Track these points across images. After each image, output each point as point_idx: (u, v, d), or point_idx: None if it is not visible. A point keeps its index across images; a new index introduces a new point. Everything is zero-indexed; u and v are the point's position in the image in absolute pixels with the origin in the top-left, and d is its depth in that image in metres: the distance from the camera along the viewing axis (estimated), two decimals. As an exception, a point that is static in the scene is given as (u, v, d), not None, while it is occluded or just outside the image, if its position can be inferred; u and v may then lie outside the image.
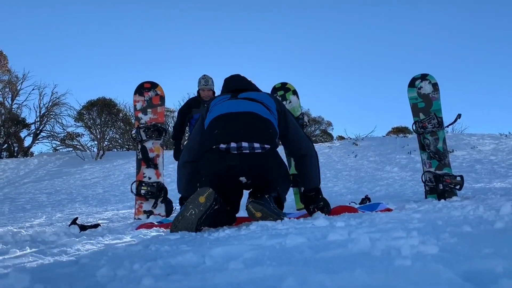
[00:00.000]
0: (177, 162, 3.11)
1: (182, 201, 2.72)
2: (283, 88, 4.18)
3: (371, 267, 0.79)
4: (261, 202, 2.30)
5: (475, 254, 0.90)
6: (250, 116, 2.54)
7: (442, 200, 3.33)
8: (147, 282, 0.84)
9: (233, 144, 2.42)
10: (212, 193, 2.20)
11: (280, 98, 4.09)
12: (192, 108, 4.70)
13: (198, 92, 4.73)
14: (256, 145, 2.44)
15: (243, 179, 2.47)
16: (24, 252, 1.61)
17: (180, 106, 5.05)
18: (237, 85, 2.90)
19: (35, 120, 19.40)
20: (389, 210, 2.76)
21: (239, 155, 2.41)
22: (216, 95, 3.39)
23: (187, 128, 5.12)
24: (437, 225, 1.53)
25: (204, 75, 4.67)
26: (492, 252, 0.91)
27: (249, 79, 3.00)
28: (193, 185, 2.68)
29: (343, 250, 1.06)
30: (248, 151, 2.42)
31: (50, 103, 19.37)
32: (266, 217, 2.27)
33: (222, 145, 2.43)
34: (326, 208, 2.66)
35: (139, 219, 3.78)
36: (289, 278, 0.67)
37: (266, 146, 2.46)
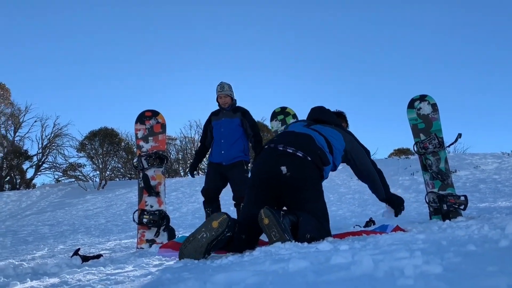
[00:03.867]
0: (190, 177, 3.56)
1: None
2: (283, 112, 4.21)
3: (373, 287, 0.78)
4: (273, 211, 2.29)
5: (479, 272, 0.88)
6: (304, 136, 2.80)
7: (447, 221, 3.30)
8: (147, 310, 0.83)
9: (280, 146, 2.68)
10: (226, 220, 2.21)
11: (280, 123, 4.12)
12: (212, 116, 4.56)
13: (217, 100, 4.58)
14: (299, 152, 2.65)
15: (283, 168, 2.57)
16: (25, 284, 1.59)
17: (182, 133, 5.06)
18: (318, 116, 3.19)
19: (37, 151, 19.51)
20: (400, 229, 2.73)
21: (283, 151, 2.65)
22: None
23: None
24: (441, 245, 1.51)
25: (221, 82, 4.56)
26: (496, 270, 0.90)
27: (331, 112, 3.31)
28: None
29: (346, 273, 1.04)
30: (291, 151, 2.64)
31: (52, 135, 19.51)
32: (272, 227, 2.24)
33: (271, 145, 2.74)
34: (401, 205, 3.18)
35: (141, 248, 3.75)
36: (290, 301, 0.66)
37: (308, 157, 2.64)
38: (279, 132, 3.05)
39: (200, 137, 5.02)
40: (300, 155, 2.64)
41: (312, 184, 2.63)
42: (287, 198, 2.60)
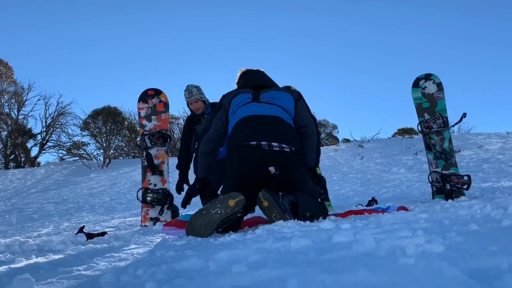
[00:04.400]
0: None
1: (198, 182, 2.84)
2: (287, 91, 4.17)
3: (374, 266, 0.78)
4: (272, 193, 2.31)
5: (481, 252, 0.88)
6: (276, 120, 2.70)
7: (450, 200, 3.30)
8: (150, 287, 0.84)
9: (264, 143, 2.54)
10: (243, 201, 2.21)
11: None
12: (193, 123, 4.14)
13: (188, 106, 4.14)
14: (285, 145, 2.57)
15: (272, 168, 2.51)
16: (30, 261, 1.61)
17: (186, 112, 4.75)
18: (257, 80, 3.03)
19: (41, 130, 19.57)
20: (405, 209, 2.73)
21: (270, 150, 2.53)
22: (233, 90, 3.09)
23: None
24: (443, 225, 1.51)
25: (187, 86, 4.09)
26: (498, 249, 0.90)
27: (266, 75, 3.15)
28: (213, 172, 2.88)
29: (348, 251, 1.05)
30: (278, 149, 2.55)
31: (56, 113, 19.53)
32: (272, 209, 2.26)
33: (252, 142, 2.54)
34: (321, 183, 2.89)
35: (145, 226, 3.78)
36: (292, 279, 0.66)
37: (293, 148, 2.60)
38: (243, 117, 2.71)
39: (180, 149, 4.31)
40: (288, 150, 2.58)
41: (300, 176, 2.62)
42: (275, 188, 2.53)
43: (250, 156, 2.54)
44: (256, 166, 2.52)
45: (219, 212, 2.15)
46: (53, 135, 19.70)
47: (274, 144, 2.55)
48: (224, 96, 3.01)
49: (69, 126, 19.19)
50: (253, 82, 3.02)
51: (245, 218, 2.62)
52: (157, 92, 4.23)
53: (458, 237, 1.13)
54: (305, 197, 2.46)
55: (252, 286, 0.75)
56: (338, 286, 0.62)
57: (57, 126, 19.54)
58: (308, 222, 2.23)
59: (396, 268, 0.75)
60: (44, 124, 19.45)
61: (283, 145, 2.56)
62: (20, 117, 19.72)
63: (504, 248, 0.90)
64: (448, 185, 3.63)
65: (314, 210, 2.45)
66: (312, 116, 3.00)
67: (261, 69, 3.22)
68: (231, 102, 2.90)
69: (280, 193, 2.38)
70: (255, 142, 2.55)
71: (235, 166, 2.59)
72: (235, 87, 3.28)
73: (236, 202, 2.19)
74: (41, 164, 18.71)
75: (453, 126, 3.95)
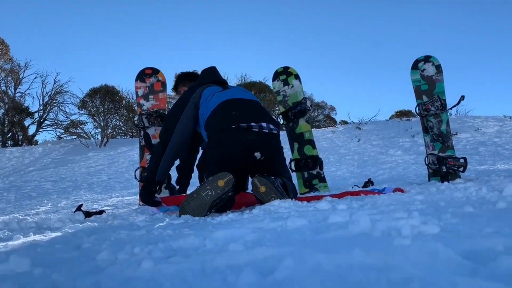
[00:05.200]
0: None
1: (151, 184, 2.85)
2: (285, 72, 4.14)
3: (369, 246, 0.79)
4: (267, 178, 2.32)
5: (476, 233, 0.89)
6: (256, 102, 2.73)
7: (446, 182, 3.32)
8: (146, 265, 0.84)
9: (253, 124, 2.52)
10: (232, 180, 2.22)
11: (282, 83, 4.07)
12: None
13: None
14: (272, 126, 2.59)
15: (257, 154, 2.52)
16: (28, 238, 1.62)
17: None
18: (218, 77, 3.00)
19: (38, 108, 19.48)
20: (400, 190, 2.75)
21: (260, 132, 2.52)
22: (194, 86, 2.96)
23: None
24: (439, 206, 1.52)
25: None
26: (493, 231, 0.90)
27: None
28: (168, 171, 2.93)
29: (343, 232, 1.06)
30: (267, 131, 2.55)
31: (53, 92, 19.41)
32: (270, 193, 2.27)
33: (242, 124, 2.50)
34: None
35: (143, 205, 3.80)
36: (288, 258, 0.67)
37: (277, 129, 2.64)
38: (226, 100, 2.65)
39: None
40: (275, 131, 2.61)
41: (282, 160, 2.71)
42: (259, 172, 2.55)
43: (239, 139, 2.48)
44: (241, 151, 2.50)
45: (209, 193, 2.18)
46: (50, 113, 19.63)
47: (264, 124, 2.55)
48: (187, 93, 2.88)
49: (67, 104, 19.13)
50: (214, 78, 2.98)
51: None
52: (155, 71, 4.18)
53: (453, 218, 1.14)
54: (287, 181, 2.59)
55: (248, 264, 0.76)
56: (333, 265, 0.62)
57: (55, 104, 19.45)
58: (305, 203, 2.25)
59: (391, 248, 0.76)
60: (41, 103, 19.37)
61: (271, 126, 2.58)
62: (17, 95, 19.61)
63: (499, 230, 0.91)
64: (444, 167, 3.64)
65: (294, 192, 2.59)
66: None
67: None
68: (201, 94, 2.81)
69: (271, 177, 2.40)
70: (245, 124, 2.50)
71: (219, 150, 2.54)
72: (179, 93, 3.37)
73: (226, 181, 2.20)
74: (38, 143, 18.69)
75: (451, 108, 3.95)
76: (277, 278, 0.60)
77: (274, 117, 2.74)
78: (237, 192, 2.64)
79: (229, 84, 3.01)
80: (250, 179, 2.92)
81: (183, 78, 3.28)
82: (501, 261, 0.59)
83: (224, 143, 2.52)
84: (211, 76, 3.00)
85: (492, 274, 0.56)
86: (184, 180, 3.67)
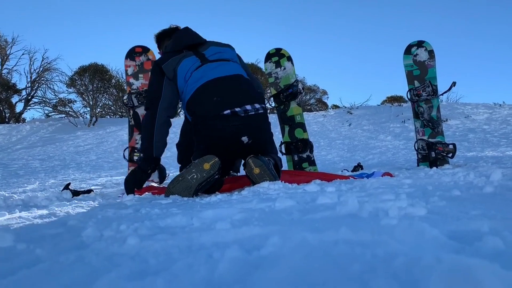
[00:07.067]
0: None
1: (149, 162, 2.66)
2: (278, 54, 4.11)
3: (357, 226, 0.79)
4: (262, 159, 2.30)
5: (463, 215, 0.90)
6: (239, 79, 2.55)
7: (434, 168, 3.35)
8: (132, 242, 0.84)
9: (238, 109, 2.40)
10: (218, 163, 2.20)
11: (274, 65, 4.03)
12: None
13: None
14: (257, 105, 2.48)
15: (245, 138, 2.44)
16: (14, 215, 1.60)
17: None
18: (190, 39, 2.74)
19: (26, 85, 19.17)
20: (389, 174, 2.77)
21: (247, 117, 2.42)
22: (166, 55, 2.74)
23: None
24: (427, 190, 1.53)
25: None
26: (479, 214, 0.91)
27: (195, 31, 2.85)
28: (164, 146, 2.69)
29: (331, 212, 1.06)
30: (253, 113, 2.45)
31: (41, 69, 19.09)
32: (264, 175, 2.27)
33: (227, 111, 2.39)
34: None
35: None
36: (274, 236, 0.67)
37: (263, 105, 2.53)
38: (205, 82, 2.47)
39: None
40: (261, 111, 2.50)
41: (270, 142, 2.64)
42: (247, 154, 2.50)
43: (224, 127, 2.39)
44: (229, 137, 2.42)
45: (195, 177, 2.16)
46: (38, 91, 19.35)
47: (248, 107, 2.43)
48: (159, 62, 2.66)
49: (55, 82, 18.95)
50: (187, 42, 2.71)
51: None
52: (145, 50, 4.12)
53: (441, 201, 1.15)
54: (277, 159, 2.58)
55: (235, 242, 0.76)
56: (318, 241, 0.62)
57: (43, 82, 19.15)
58: (294, 185, 2.26)
59: (378, 228, 0.76)
60: (29, 80, 19.06)
61: (256, 106, 2.47)
62: (4, 71, 19.25)
63: (485, 212, 0.92)
64: (434, 153, 3.67)
65: (279, 173, 2.54)
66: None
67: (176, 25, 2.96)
68: (176, 72, 2.61)
69: (265, 158, 2.38)
70: (229, 111, 2.39)
71: (205, 137, 2.47)
72: (158, 55, 3.07)
73: (211, 164, 2.18)
74: (26, 120, 18.46)
75: (442, 94, 3.96)
76: (263, 254, 0.60)
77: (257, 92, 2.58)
78: (225, 174, 2.63)
79: (206, 44, 2.73)
80: (241, 161, 2.92)
81: (163, 38, 3.03)
82: (486, 241, 0.59)
83: (210, 130, 2.44)
84: (185, 39, 2.74)
85: (477, 252, 0.56)
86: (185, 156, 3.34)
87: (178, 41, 2.73)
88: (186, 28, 2.85)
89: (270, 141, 2.66)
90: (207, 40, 2.84)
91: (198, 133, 2.50)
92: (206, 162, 2.19)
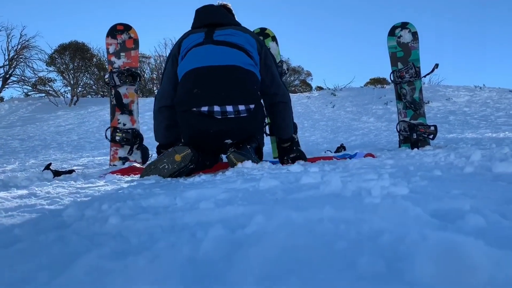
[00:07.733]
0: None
1: (160, 150, 2.58)
2: (262, 33, 4.06)
3: (340, 204, 0.79)
4: (243, 153, 2.23)
5: (444, 195, 0.91)
6: (232, 72, 2.30)
7: (415, 149, 3.40)
8: (113, 221, 0.83)
9: (216, 108, 2.22)
10: (189, 155, 2.12)
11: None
12: None
13: None
14: (241, 107, 2.25)
15: (228, 141, 2.34)
16: (-8, 195, 1.57)
17: (157, 52, 4.66)
18: (211, 18, 2.56)
19: (3, 63, 18.59)
20: (371, 155, 2.79)
21: (224, 120, 2.23)
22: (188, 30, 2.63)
23: None
24: (408, 170, 1.55)
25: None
26: (460, 193, 0.92)
27: (224, 10, 2.66)
28: (173, 131, 2.54)
29: (315, 192, 1.06)
30: (233, 116, 2.24)
31: (19, 46, 18.48)
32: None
33: (204, 108, 2.22)
34: (302, 160, 2.51)
35: (114, 165, 3.74)
36: (259, 215, 0.67)
37: (251, 106, 2.29)
38: (192, 69, 2.32)
39: None
40: (244, 115, 2.26)
41: (259, 124, 2.51)
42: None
43: (202, 128, 2.26)
44: (211, 139, 2.31)
45: (166, 167, 2.11)
46: (16, 69, 18.78)
47: (229, 108, 2.22)
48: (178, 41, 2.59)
49: (34, 60, 18.37)
50: (206, 20, 2.56)
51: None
52: (127, 28, 4.03)
53: (422, 181, 1.17)
54: (260, 143, 2.52)
55: (219, 221, 0.75)
56: (303, 219, 0.62)
57: (21, 60, 18.57)
58: (278, 165, 2.26)
59: (361, 206, 0.76)
60: (6, 57, 18.46)
61: (239, 107, 2.24)
62: (-20, 49, 18.62)
63: (466, 192, 0.93)
64: (415, 134, 3.72)
65: (261, 155, 2.53)
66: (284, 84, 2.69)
67: (223, 3, 2.75)
68: (181, 45, 2.50)
69: (247, 146, 2.30)
70: (206, 108, 2.21)
71: (188, 133, 2.34)
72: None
73: (182, 156, 2.12)
74: (4, 100, 18.00)
75: (424, 76, 3.99)
76: (247, 233, 0.60)
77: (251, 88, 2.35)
78: (213, 162, 2.55)
79: (228, 26, 2.53)
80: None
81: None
82: (468, 219, 0.60)
83: (190, 125, 2.30)
84: (202, 18, 2.59)
85: (460, 230, 0.57)
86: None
87: (198, 19, 2.61)
88: (211, 5, 2.66)
89: (257, 133, 2.50)
90: (234, 22, 2.66)
91: (181, 125, 2.39)
92: (177, 154, 2.12)
